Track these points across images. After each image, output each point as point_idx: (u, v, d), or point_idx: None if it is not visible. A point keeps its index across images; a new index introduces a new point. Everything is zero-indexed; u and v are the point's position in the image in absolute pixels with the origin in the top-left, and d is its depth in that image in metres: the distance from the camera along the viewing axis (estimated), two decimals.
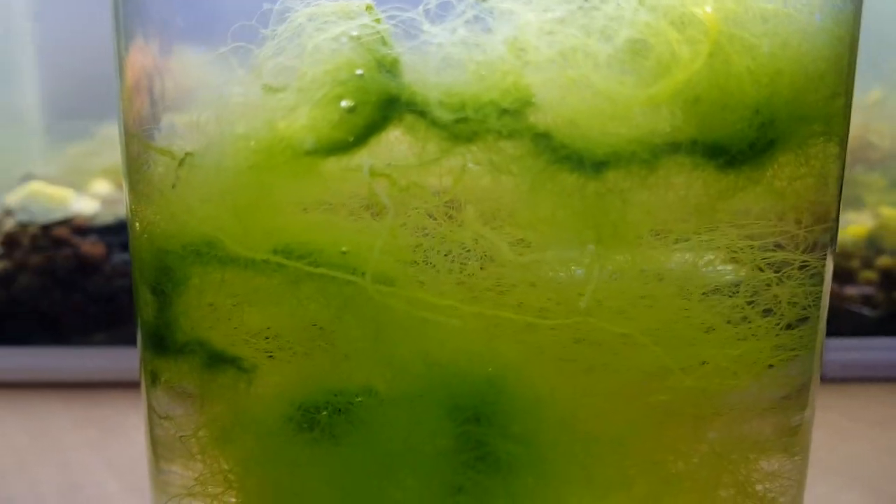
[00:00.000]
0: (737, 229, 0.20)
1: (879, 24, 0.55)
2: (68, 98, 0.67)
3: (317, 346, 0.21)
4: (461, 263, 0.20)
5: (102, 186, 0.59)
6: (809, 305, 0.22)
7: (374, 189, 0.19)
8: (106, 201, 0.58)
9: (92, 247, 0.55)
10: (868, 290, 0.55)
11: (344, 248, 0.20)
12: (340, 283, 0.20)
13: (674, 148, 0.18)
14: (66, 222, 0.56)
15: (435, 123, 0.18)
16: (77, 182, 0.58)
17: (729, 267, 0.21)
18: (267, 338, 0.21)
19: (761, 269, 0.21)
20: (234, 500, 0.22)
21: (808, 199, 0.20)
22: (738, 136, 0.18)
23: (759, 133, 0.19)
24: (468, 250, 0.20)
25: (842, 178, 0.22)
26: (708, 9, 0.17)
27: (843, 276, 0.55)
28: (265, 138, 0.17)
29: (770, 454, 0.23)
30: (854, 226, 0.55)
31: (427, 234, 0.20)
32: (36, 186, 0.56)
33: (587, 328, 0.20)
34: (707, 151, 0.19)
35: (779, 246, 0.20)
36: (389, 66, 0.18)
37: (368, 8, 0.18)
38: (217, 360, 0.20)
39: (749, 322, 0.22)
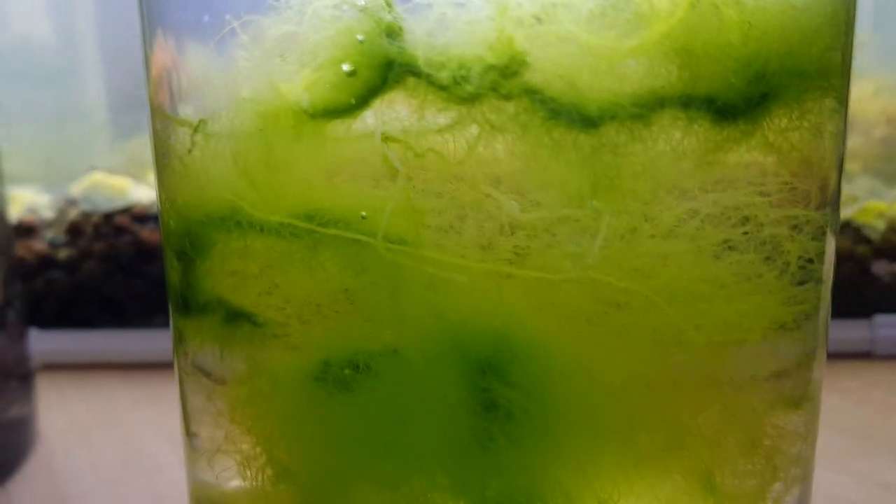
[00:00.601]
0: (735, 184, 0.21)
1: None
2: (130, 94, 0.69)
3: (335, 306, 0.22)
4: (470, 223, 0.21)
5: None
6: (812, 260, 0.22)
7: (386, 154, 0.20)
8: None
9: (151, 234, 0.57)
10: None
11: (363, 213, 0.21)
12: (356, 245, 0.21)
13: (665, 102, 0.19)
14: (126, 211, 0.58)
15: (434, 85, 0.19)
16: (137, 173, 0.61)
17: (730, 222, 0.21)
18: (286, 302, 0.22)
19: (762, 225, 0.21)
20: (259, 452, 0.23)
21: (805, 154, 0.20)
22: (730, 90, 0.19)
23: (751, 86, 0.19)
24: (476, 210, 0.21)
25: (843, 135, 0.22)
26: None
27: (893, 253, 0.54)
28: (270, 102, 0.19)
29: (779, 410, 0.23)
30: None
31: (437, 196, 0.21)
32: (98, 177, 0.59)
33: (593, 284, 0.21)
34: (700, 105, 0.19)
35: (776, 200, 0.21)
36: (389, 31, 0.18)
37: None
38: (234, 317, 0.21)
39: (756, 278, 0.22)
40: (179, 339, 0.23)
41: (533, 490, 0.20)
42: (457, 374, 0.20)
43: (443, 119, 0.20)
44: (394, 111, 0.19)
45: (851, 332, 0.54)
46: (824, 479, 0.39)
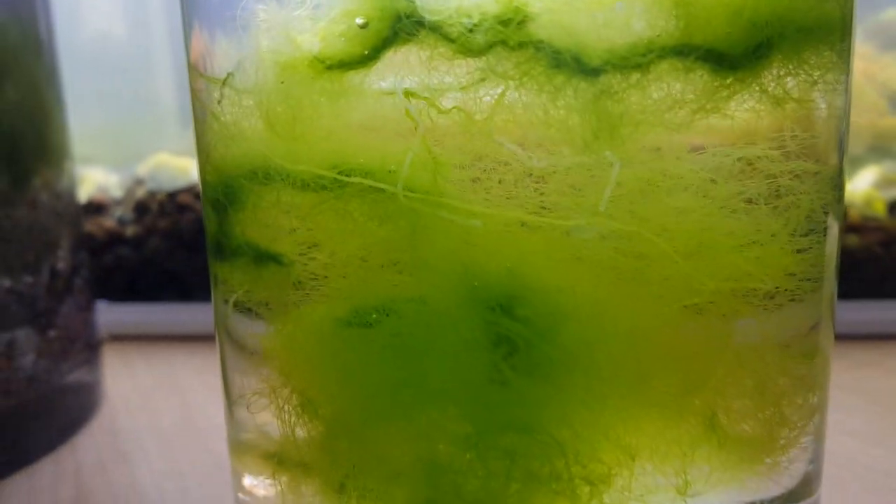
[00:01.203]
0: (739, 135, 0.21)
1: None
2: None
3: (359, 252, 0.23)
4: (485, 172, 0.22)
5: None
6: (816, 211, 0.23)
7: (405, 107, 0.21)
8: None
9: None
10: None
11: (390, 167, 0.22)
12: (379, 195, 0.22)
13: (664, 52, 0.20)
14: (189, 189, 0.61)
15: (444, 38, 0.20)
16: None
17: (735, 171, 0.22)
18: (312, 248, 0.23)
19: (766, 175, 0.22)
20: (289, 389, 0.25)
21: (804, 105, 0.21)
22: (725, 41, 0.20)
23: (746, 37, 0.20)
24: (491, 160, 0.22)
25: (847, 89, 0.23)
26: None
27: None
28: (288, 53, 0.20)
29: (788, 360, 0.24)
30: None
31: (454, 148, 0.22)
32: (162, 157, 0.62)
33: (603, 230, 0.22)
34: (698, 56, 0.20)
35: (779, 153, 0.21)
36: None
37: None
38: (262, 259, 0.23)
39: (763, 226, 0.23)
40: (215, 282, 0.25)
41: (540, 422, 0.21)
42: (472, 315, 0.22)
43: (455, 72, 0.21)
44: (409, 65, 0.20)
45: None
46: (862, 451, 0.39)
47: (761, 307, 0.23)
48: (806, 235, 0.23)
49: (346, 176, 0.22)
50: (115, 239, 0.61)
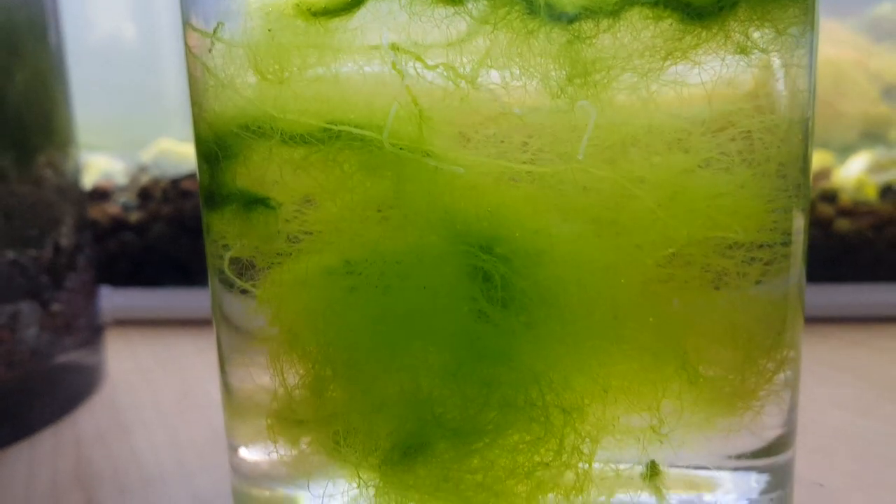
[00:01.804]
0: (710, 86, 0.22)
1: None
2: None
3: (348, 201, 0.24)
4: (467, 119, 0.23)
5: None
6: (786, 164, 0.23)
7: (390, 59, 0.22)
8: None
9: None
10: None
11: (378, 118, 0.23)
12: (366, 145, 0.23)
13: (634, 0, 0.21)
14: (192, 176, 0.62)
15: None
16: None
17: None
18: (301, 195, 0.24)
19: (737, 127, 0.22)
20: (283, 336, 0.25)
21: (772, 59, 0.22)
22: None
23: None
24: (475, 108, 0.22)
25: (813, 45, 0.23)
26: None
27: None
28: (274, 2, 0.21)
29: (761, 307, 0.25)
30: None
31: (437, 96, 0.23)
32: (165, 144, 0.63)
33: (580, 176, 0.22)
34: (667, 4, 0.21)
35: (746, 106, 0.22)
36: None
37: None
38: (252, 203, 0.23)
39: (735, 176, 0.24)
40: (207, 231, 0.26)
41: (516, 354, 0.22)
42: (454, 255, 0.22)
43: (436, 17, 0.22)
44: (393, 15, 0.21)
45: (894, 297, 0.54)
46: (850, 422, 0.40)
47: (734, 257, 0.24)
48: (777, 188, 0.24)
49: (334, 126, 0.23)
50: (119, 225, 0.62)
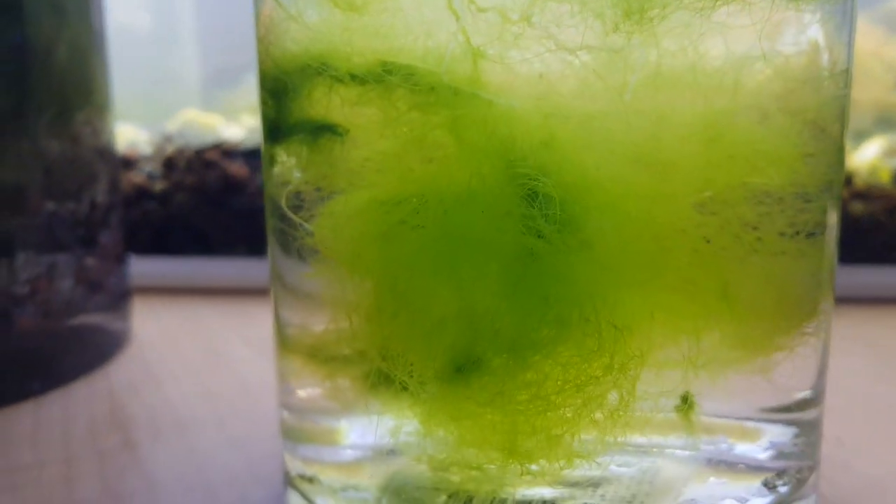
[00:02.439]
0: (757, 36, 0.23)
1: None
2: (222, 53, 0.75)
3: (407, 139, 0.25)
4: (521, 58, 0.24)
5: (247, 119, 0.66)
6: (823, 117, 0.25)
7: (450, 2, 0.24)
8: (250, 130, 0.65)
9: (238, 169, 0.62)
10: None
11: (435, 57, 0.24)
12: (424, 86, 0.24)
13: None
14: (216, 147, 0.63)
15: None
16: (227, 118, 0.66)
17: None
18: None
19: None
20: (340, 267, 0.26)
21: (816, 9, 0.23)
22: None
23: None
24: (526, 47, 0.24)
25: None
26: None
27: None
28: None
29: (794, 257, 0.26)
30: None
31: (493, 38, 0.24)
32: (191, 114, 0.64)
33: (629, 117, 0.24)
34: None
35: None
36: None
37: None
38: (320, 129, 0.25)
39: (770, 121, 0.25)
40: (270, 163, 0.27)
41: (571, 274, 0.23)
42: (511, 181, 0.23)
43: None
44: None
45: None
46: (865, 387, 0.41)
47: (767, 203, 0.25)
48: (813, 139, 0.25)
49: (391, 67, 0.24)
50: (143, 194, 0.63)
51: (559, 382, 0.23)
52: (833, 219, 0.27)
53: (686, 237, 0.25)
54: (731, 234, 0.25)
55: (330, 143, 0.25)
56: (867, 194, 0.55)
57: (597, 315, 0.22)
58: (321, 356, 0.29)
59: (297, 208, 0.27)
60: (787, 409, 0.28)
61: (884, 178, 0.56)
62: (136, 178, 0.64)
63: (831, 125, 0.26)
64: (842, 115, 0.26)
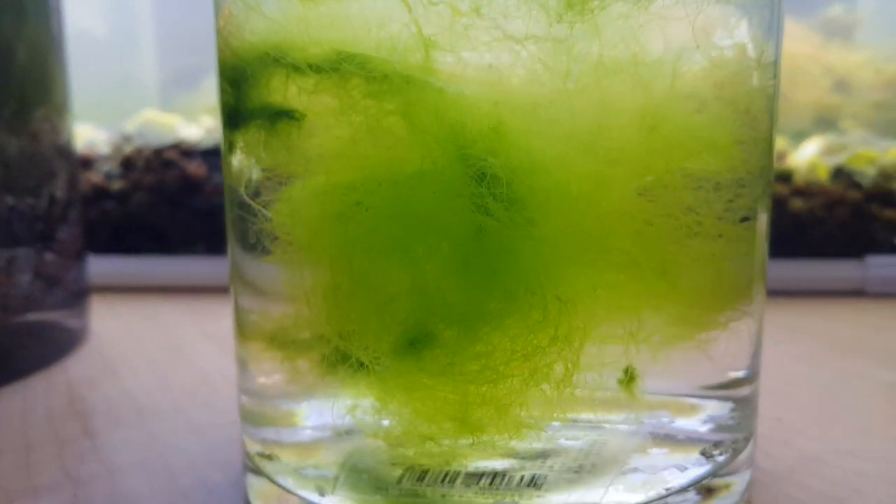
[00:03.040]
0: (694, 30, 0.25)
1: None
2: (180, 56, 0.76)
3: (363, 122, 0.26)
4: (471, 46, 0.25)
5: (206, 120, 0.67)
6: (753, 107, 0.26)
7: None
8: (209, 130, 0.65)
9: (197, 168, 0.62)
10: None
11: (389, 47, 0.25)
12: (378, 74, 0.25)
13: None
14: (175, 146, 0.63)
15: None
16: (186, 118, 0.66)
17: None
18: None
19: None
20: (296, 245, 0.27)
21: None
22: None
23: None
24: (475, 35, 0.25)
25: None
26: None
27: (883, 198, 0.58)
28: None
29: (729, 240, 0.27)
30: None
31: (443, 28, 0.25)
32: (149, 115, 0.64)
33: (572, 100, 0.25)
34: None
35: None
36: None
37: None
38: (277, 115, 0.26)
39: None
40: (229, 151, 0.28)
41: (518, 249, 0.24)
42: (461, 162, 0.25)
43: None
44: None
45: (845, 273, 0.58)
46: (806, 371, 0.43)
47: (704, 188, 0.27)
48: (745, 127, 0.27)
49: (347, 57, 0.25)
50: (101, 193, 0.63)
51: (507, 353, 0.24)
52: (765, 204, 0.29)
53: (628, 218, 0.26)
54: (670, 217, 0.27)
55: (287, 129, 0.26)
56: (806, 191, 0.58)
57: (542, 289, 0.23)
58: (279, 340, 0.30)
59: (256, 195, 0.28)
60: (724, 386, 0.29)
61: (822, 175, 0.58)
62: (94, 177, 0.64)
63: (762, 114, 0.28)
64: (771, 105, 0.28)
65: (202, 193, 0.62)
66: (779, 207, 0.58)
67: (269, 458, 0.29)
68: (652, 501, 0.27)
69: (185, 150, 0.63)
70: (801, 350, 0.47)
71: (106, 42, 0.76)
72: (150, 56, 0.77)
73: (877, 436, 0.35)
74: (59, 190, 0.46)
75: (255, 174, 0.28)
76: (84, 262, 0.50)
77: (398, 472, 0.27)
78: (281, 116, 0.26)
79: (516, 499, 0.26)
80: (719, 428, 0.29)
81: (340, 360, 0.27)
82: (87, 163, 0.64)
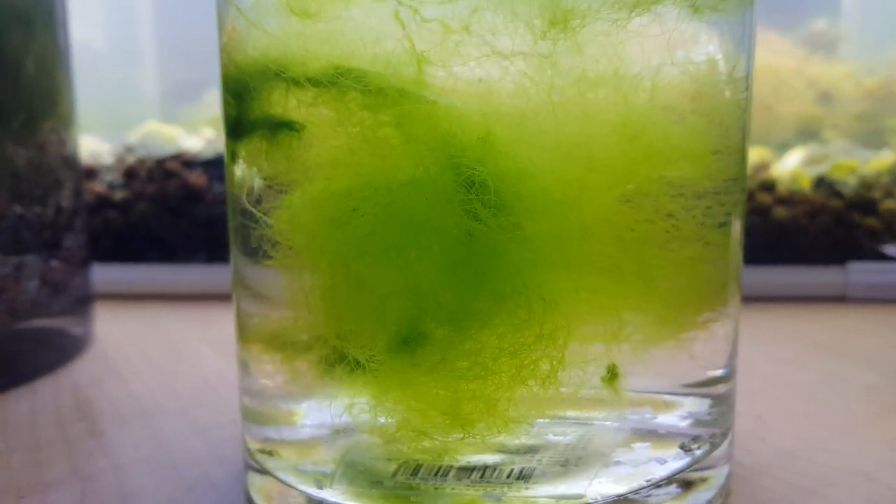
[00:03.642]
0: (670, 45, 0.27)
1: None
2: (181, 69, 0.77)
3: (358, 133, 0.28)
4: (460, 63, 0.27)
5: (206, 131, 0.68)
6: (727, 121, 0.28)
7: (396, 11, 0.26)
8: (210, 141, 0.67)
9: (198, 178, 0.64)
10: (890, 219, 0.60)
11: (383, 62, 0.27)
12: (374, 90, 0.27)
13: None
14: (176, 157, 0.65)
15: None
16: (187, 129, 0.68)
17: None
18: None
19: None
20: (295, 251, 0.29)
21: (721, 18, 0.27)
22: None
23: None
24: (465, 52, 0.26)
25: (751, 12, 0.28)
26: None
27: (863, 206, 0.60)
28: None
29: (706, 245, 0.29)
30: (877, 160, 0.60)
31: (435, 44, 0.27)
32: (152, 126, 0.66)
33: (557, 112, 0.27)
34: None
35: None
36: None
37: None
38: (278, 126, 0.27)
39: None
40: (232, 160, 0.30)
41: (505, 251, 0.25)
42: (451, 171, 0.26)
43: None
44: None
45: (828, 279, 0.59)
46: (787, 372, 0.44)
47: (683, 195, 0.28)
48: (719, 137, 0.28)
49: (344, 71, 0.27)
50: (104, 203, 0.65)
51: (495, 350, 0.25)
52: (739, 210, 0.31)
53: (610, 224, 0.28)
54: (650, 223, 0.28)
55: (288, 139, 0.27)
56: (790, 200, 0.59)
57: (527, 289, 0.25)
58: (279, 342, 0.31)
59: (257, 202, 0.30)
60: (703, 384, 0.31)
61: (805, 184, 0.60)
62: (97, 187, 0.65)
63: (734, 125, 0.29)
64: (743, 116, 0.29)
65: (203, 203, 0.64)
66: (763, 215, 0.59)
67: (270, 454, 0.31)
68: (634, 492, 0.28)
69: (187, 161, 0.65)
70: (783, 352, 0.48)
71: (109, 55, 0.78)
72: (152, 69, 0.79)
73: (852, 434, 0.36)
74: (66, 199, 0.48)
75: (257, 182, 0.30)
76: (89, 269, 0.52)
77: (393, 466, 0.28)
78: (281, 127, 0.27)
79: (506, 490, 0.27)
80: (698, 423, 0.30)
81: (338, 360, 0.29)
82: (90, 173, 0.66)
